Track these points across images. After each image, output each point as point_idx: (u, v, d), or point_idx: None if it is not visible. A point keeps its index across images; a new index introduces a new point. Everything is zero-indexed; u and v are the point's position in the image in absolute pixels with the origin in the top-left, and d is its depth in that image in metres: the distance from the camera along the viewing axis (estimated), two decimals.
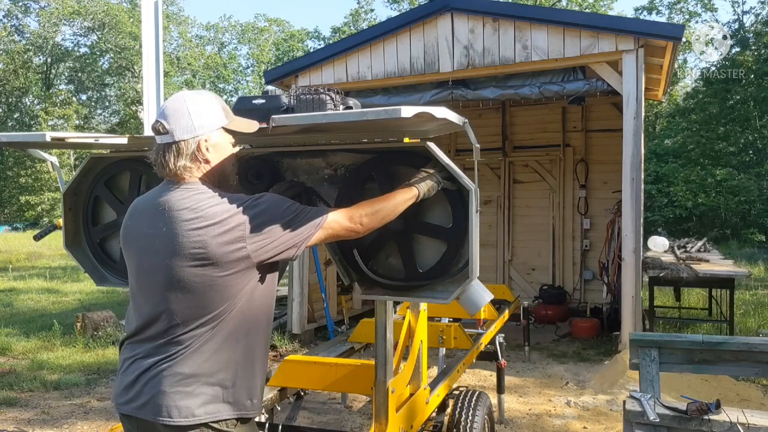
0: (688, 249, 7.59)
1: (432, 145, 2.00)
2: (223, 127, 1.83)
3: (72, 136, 2.18)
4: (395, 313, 3.42)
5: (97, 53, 42.99)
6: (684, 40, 6.94)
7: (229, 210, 1.73)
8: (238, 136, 1.91)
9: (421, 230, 2.16)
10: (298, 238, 1.78)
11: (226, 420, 1.76)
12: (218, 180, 1.86)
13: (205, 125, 1.79)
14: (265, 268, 1.81)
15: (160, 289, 1.75)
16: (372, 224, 1.91)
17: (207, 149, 1.80)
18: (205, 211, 1.73)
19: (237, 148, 1.94)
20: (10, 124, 41.20)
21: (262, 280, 1.81)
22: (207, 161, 1.81)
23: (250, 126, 1.86)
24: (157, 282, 1.76)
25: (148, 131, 5.19)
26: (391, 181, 2.13)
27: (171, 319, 1.74)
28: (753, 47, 24.31)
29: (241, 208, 1.74)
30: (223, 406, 1.75)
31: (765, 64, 22.71)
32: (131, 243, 1.86)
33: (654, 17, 28.78)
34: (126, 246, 1.89)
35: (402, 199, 1.95)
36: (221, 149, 1.84)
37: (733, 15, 28.45)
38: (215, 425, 1.74)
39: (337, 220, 1.84)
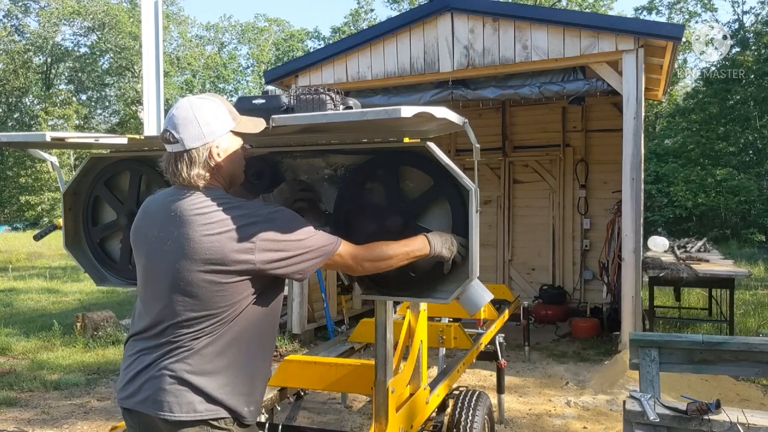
0: (688, 249, 7.60)
1: (432, 145, 2.00)
2: (231, 130, 1.84)
3: (72, 136, 2.17)
4: (395, 313, 3.42)
5: (97, 53, 42.97)
6: (684, 40, 6.93)
7: (243, 220, 1.74)
8: (246, 137, 1.91)
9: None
10: (304, 264, 1.80)
11: (224, 418, 1.78)
12: (229, 182, 1.89)
13: (214, 131, 1.79)
14: (271, 279, 1.82)
15: (167, 290, 1.77)
16: (371, 270, 1.93)
17: (218, 155, 1.81)
18: (219, 219, 1.74)
19: (246, 149, 1.95)
20: (10, 124, 41.18)
21: (268, 290, 1.83)
22: (219, 166, 1.82)
23: (257, 125, 1.84)
24: (164, 283, 1.78)
25: (148, 131, 5.20)
26: (392, 181, 2.13)
27: (175, 320, 1.76)
28: (753, 47, 24.31)
29: (256, 220, 1.75)
30: (221, 408, 1.77)
31: (765, 64, 22.71)
32: (141, 244, 1.88)
33: (654, 17, 28.81)
34: (136, 246, 1.92)
35: (412, 253, 1.94)
36: (231, 152, 1.85)
37: (733, 15, 28.49)
38: (215, 422, 1.76)
39: (342, 255, 1.85)
